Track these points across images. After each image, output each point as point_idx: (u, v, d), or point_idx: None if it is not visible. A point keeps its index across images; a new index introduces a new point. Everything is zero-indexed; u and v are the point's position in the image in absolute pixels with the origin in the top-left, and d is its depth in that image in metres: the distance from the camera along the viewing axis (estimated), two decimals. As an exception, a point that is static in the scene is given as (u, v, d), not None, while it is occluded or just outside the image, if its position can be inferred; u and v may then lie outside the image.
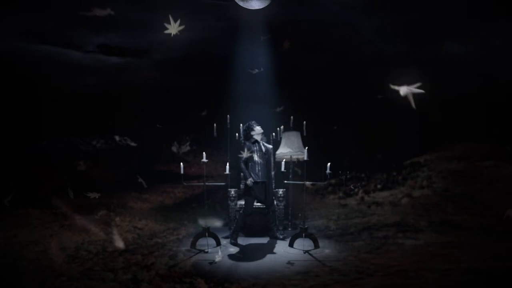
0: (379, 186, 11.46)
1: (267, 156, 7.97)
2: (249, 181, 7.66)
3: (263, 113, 9.42)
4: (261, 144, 7.93)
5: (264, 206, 7.95)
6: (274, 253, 7.27)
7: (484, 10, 10.88)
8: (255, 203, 7.88)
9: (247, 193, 7.80)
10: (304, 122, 8.68)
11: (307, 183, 7.58)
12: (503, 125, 11.59)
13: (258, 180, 7.75)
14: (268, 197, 7.93)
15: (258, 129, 7.90)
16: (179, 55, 12.27)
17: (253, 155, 7.76)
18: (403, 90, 3.85)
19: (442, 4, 10.75)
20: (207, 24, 11.58)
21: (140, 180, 7.35)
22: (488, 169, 10.90)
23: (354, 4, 11.28)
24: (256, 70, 9.54)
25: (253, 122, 7.96)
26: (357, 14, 11.69)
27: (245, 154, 7.61)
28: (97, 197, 7.19)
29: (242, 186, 8.47)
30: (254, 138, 7.89)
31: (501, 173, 10.51)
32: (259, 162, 7.80)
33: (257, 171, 7.78)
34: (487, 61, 12.48)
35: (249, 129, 7.92)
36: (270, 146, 8.20)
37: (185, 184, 7.95)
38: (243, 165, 7.78)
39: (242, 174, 8.09)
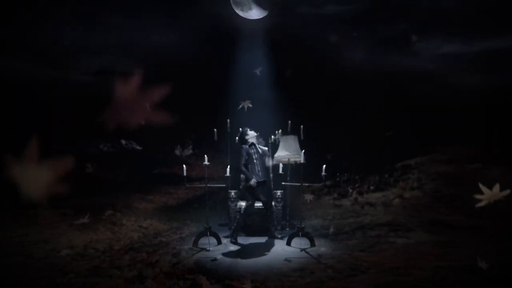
0: (372, 188, 11.48)
1: (264, 158, 8.16)
2: (253, 181, 7.76)
3: (262, 117, 9.47)
4: (258, 146, 8.11)
5: (264, 207, 8.00)
6: (273, 251, 7.30)
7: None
8: (255, 204, 7.96)
9: (249, 194, 7.91)
10: (302, 126, 8.71)
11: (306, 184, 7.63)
12: (491, 129, 11.63)
13: (260, 180, 7.88)
14: (268, 197, 8.04)
15: (251, 133, 8.13)
16: (179, 61, 12.30)
17: (252, 157, 7.93)
18: None
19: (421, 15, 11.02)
20: (209, 32, 11.65)
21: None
22: (477, 171, 10.93)
23: (343, 17, 11.47)
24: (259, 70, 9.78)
25: (246, 128, 8.18)
26: (347, 26, 11.85)
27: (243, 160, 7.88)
28: (86, 221, 7.26)
29: (241, 187, 8.52)
30: (250, 142, 8.08)
31: (489, 175, 10.52)
32: (258, 163, 7.97)
33: (257, 171, 7.92)
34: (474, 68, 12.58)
35: (244, 134, 8.16)
36: (266, 148, 8.41)
37: (187, 185, 7.99)
38: (243, 168, 7.91)
39: (242, 176, 8.20)
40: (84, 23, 10.64)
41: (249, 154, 7.96)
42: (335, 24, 12.03)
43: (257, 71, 10.35)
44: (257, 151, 8.05)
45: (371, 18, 11.74)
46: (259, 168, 7.95)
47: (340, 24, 11.99)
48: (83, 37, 11.15)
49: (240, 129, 8.40)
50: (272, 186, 8.61)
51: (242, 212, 8.05)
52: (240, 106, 8.35)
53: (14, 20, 10.37)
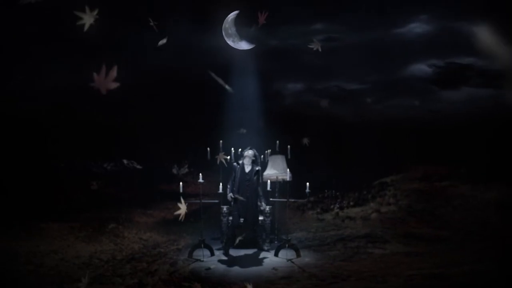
0: (351, 203, 11.50)
1: (249, 177, 7.99)
2: (229, 196, 7.83)
3: (253, 138, 9.56)
4: (245, 166, 8.03)
5: (249, 222, 7.91)
6: (261, 261, 7.33)
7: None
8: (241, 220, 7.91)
9: (234, 207, 7.89)
10: (289, 146, 8.76)
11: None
12: (459, 149, 11.74)
13: (237, 197, 7.74)
14: (249, 214, 7.88)
15: (245, 153, 8.11)
16: (175, 83, 12.38)
17: (236, 175, 7.99)
18: None
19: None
20: (203, 62, 11.77)
21: None
22: (446, 188, 11.04)
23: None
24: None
25: (248, 146, 8.20)
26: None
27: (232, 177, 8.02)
28: None
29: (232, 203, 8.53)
30: (241, 160, 8.11)
31: (457, 192, 10.63)
32: (237, 181, 7.94)
33: (234, 188, 7.91)
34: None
35: (242, 153, 8.20)
36: (257, 168, 8.25)
37: (183, 201, 8.03)
38: (230, 183, 8.02)
39: None
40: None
41: (235, 172, 8.02)
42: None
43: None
44: (243, 170, 7.98)
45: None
46: (237, 186, 7.89)
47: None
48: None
49: (232, 148, 8.52)
50: (263, 203, 8.46)
51: (229, 225, 8.03)
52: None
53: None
